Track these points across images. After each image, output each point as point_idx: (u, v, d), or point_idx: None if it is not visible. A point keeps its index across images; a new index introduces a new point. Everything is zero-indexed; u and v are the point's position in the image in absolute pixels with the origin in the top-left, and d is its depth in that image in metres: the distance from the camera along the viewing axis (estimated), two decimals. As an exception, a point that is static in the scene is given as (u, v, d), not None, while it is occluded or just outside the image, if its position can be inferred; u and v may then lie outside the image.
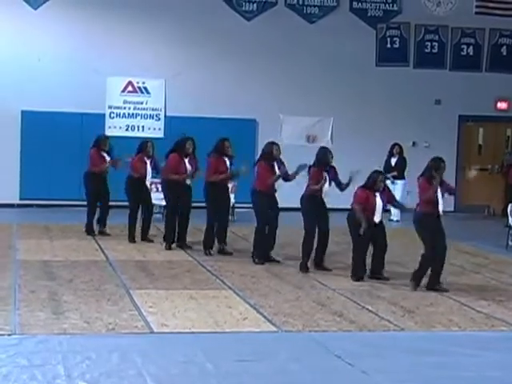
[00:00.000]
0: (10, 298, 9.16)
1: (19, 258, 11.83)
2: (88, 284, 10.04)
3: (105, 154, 14.08)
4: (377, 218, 10.84)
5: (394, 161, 18.27)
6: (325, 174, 11.42)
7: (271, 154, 11.97)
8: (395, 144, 18.44)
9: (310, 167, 11.56)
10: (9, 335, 7.62)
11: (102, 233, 14.14)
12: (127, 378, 6.49)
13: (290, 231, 12.95)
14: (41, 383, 6.33)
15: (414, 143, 20.00)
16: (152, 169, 13.66)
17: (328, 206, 11.67)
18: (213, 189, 12.52)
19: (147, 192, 14.02)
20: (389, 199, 11.17)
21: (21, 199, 18.49)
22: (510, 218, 14.38)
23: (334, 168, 11.61)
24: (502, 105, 20.61)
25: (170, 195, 13.08)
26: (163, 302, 9.21)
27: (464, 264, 12.37)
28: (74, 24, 18.45)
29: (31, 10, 18.41)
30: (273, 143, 12.17)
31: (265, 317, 8.67)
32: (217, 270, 11.32)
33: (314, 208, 11.45)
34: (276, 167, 11.98)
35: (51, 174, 18.37)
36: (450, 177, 20.50)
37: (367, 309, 9.21)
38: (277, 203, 12.08)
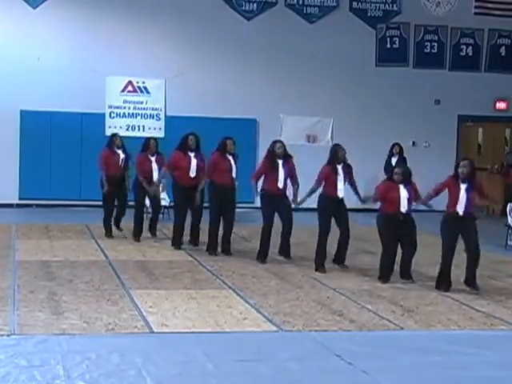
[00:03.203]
0: (9, 298, 9.16)
1: (18, 258, 11.83)
2: (88, 284, 10.04)
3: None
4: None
5: (394, 160, 18.34)
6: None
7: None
8: (395, 144, 18.50)
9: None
10: (8, 335, 7.61)
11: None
12: (127, 379, 6.48)
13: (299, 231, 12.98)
14: (40, 383, 6.31)
15: (413, 143, 20.05)
16: (158, 166, 13.57)
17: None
18: (215, 188, 12.50)
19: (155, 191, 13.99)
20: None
21: (20, 199, 18.53)
22: (509, 217, 14.42)
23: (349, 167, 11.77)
24: (501, 105, 20.68)
25: (178, 198, 12.99)
26: (163, 301, 9.21)
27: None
28: (74, 23, 18.48)
29: (30, 9, 18.44)
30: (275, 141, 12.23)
31: (265, 316, 8.68)
32: (217, 269, 11.33)
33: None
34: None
35: (50, 174, 18.41)
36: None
37: (367, 308, 9.23)
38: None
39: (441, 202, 10.72)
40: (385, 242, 10.81)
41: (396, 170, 10.86)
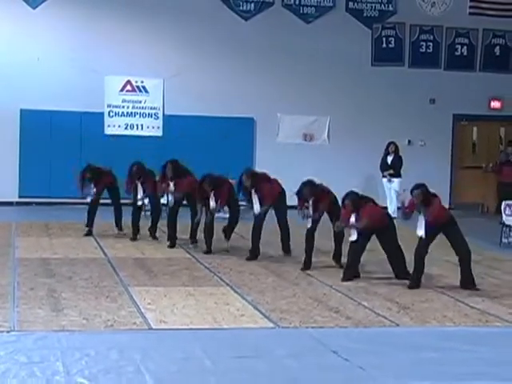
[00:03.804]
0: (9, 295, 9.23)
1: (18, 255, 11.90)
2: (87, 281, 10.11)
3: None
4: None
5: (389, 159, 18.38)
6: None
7: None
8: (391, 142, 18.55)
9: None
10: (8, 332, 7.67)
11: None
12: (126, 375, 6.52)
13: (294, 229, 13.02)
14: (40, 380, 6.32)
15: (409, 142, 20.11)
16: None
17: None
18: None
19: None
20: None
21: (20, 197, 18.58)
22: (503, 215, 14.49)
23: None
24: (495, 104, 20.74)
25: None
26: (162, 298, 9.28)
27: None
28: (73, 23, 18.54)
29: (30, 9, 18.50)
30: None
31: (262, 313, 8.74)
32: (215, 267, 11.40)
33: None
34: None
35: (50, 172, 18.47)
36: (444, 175, 20.70)
37: (363, 305, 9.29)
38: None
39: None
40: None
41: (345, 202, 10.81)
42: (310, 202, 11.44)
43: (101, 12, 18.60)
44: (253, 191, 12.23)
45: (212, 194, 12.41)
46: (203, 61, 19.09)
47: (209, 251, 12.52)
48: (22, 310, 8.52)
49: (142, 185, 13.47)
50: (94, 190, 14.02)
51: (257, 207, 12.19)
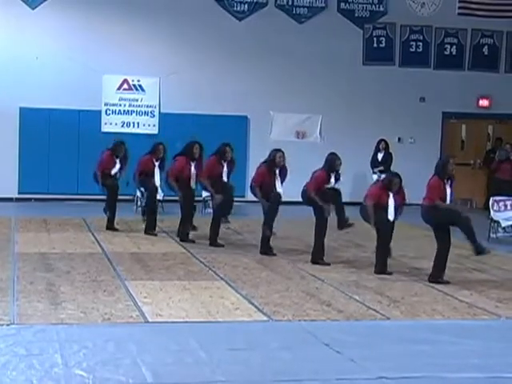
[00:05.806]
0: (8, 289, 9.30)
1: (18, 250, 11.94)
2: (85, 275, 10.18)
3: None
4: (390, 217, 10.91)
5: (380, 156, 18.52)
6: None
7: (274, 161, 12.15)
8: (381, 140, 18.67)
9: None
10: (7, 325, 7.74)
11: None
12: (123, 367, 6.57)
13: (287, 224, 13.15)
14: (39, 372, 6.38)
15: (399, 139, 20.24)
16: (159, 169, 13.90)
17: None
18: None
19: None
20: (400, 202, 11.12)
21: (19, 193, 18.66)
22: (491, 211, 14.62)
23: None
24: (483, 102, 20.85)
25: (184, 190, 13.16)
26: (158, 292, 9.35)
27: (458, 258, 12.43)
28: (71, 23, 18.62)
29: (29, 9, 18.59)
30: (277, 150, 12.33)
31: (256, 307, 8.82)
32: (210, 261, 11.47)
33: None
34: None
35: (49, 169, 18.55)
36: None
37: (354, 299, 9.37)
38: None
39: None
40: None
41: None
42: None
43: (99, 12, 18.68)
44: (277, 171, 12.14)
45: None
46: (198, 60, 19.20)
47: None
48: (22, 303, 8.58)
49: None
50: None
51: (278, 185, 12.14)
